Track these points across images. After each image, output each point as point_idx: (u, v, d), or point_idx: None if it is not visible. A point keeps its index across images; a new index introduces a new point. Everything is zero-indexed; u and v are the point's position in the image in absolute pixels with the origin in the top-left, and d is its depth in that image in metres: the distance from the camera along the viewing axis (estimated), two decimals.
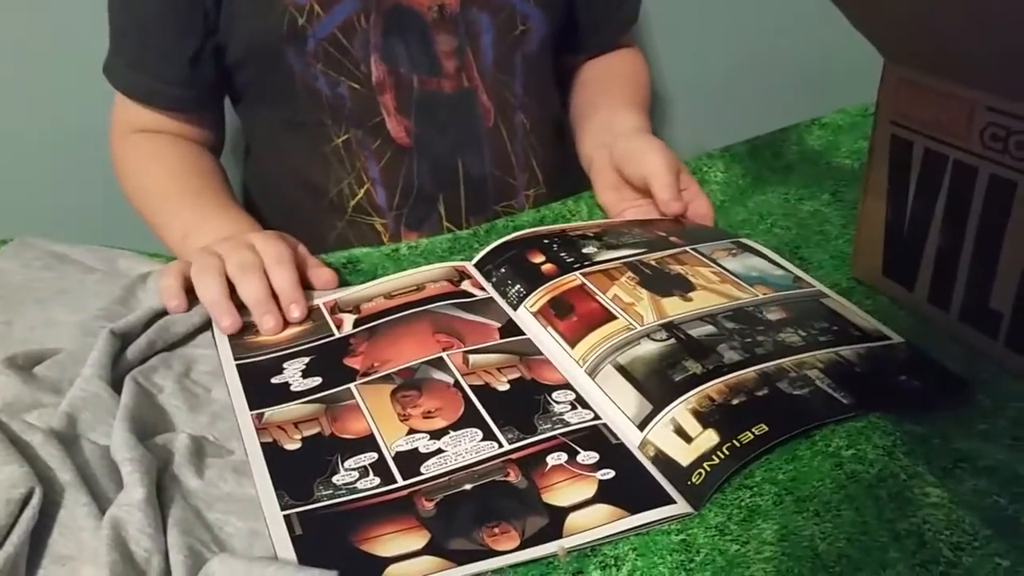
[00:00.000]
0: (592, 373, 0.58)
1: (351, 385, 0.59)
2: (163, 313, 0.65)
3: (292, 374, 0.61)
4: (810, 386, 0.55)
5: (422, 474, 0.51)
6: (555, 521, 0.48)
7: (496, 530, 0.47)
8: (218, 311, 0.65)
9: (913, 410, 0.55)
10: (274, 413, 0.57)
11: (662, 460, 0.51)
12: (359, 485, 0.51)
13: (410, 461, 0.52)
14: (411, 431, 0.55)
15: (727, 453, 0.50)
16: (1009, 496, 0.49)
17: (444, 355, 0.61)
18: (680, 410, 0.53)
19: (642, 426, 0.53)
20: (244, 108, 0.93)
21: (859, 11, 0.59)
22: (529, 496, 0.50)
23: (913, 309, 0.65)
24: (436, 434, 0.54)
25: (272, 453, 0.53)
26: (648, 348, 0.59)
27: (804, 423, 0.53)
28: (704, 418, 0.53)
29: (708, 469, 0.50)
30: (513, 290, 0.68)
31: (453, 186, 0.88)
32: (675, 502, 0.49)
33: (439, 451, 0.53)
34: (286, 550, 0.46)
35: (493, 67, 0.87)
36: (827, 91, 1.16)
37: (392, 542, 0.47)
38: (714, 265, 0.69)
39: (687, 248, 0.71)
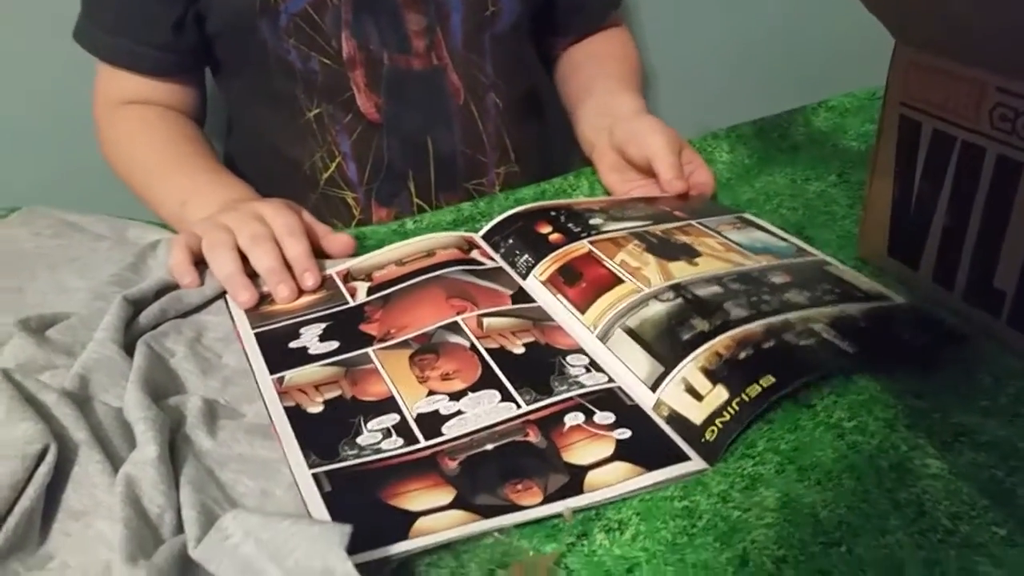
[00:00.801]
0: (603, 338, 0.59)
1: (369, 350, 0.60)
2: (175, 283, 0.66)
3: (310, 339, 0.61)
4: (815, 337, 0.56)
5: (443, 435, 0.52)
6: (576, 478, 0.49)
7: (519, 487, 0.49)
8: (234, 286, 0.66)
9: (917, 365, 0.56)
10: (294, 376, 0.58)
11: (676, 419, 0.53)
12: (383, 446, 0.52)
13: (431, 422, 0.53)
14: (431, 393, 0.56)
15: (737, 408, 0.52)
16: (1007, 469, 0.50)
17: (459, 319, 0.62)
18: (690, 368, 0.54)
19: (654, 387, 0.55)
20: (223, 80, 0.94)
21: None
22: (550, 454, 0.51)
23: (918, 288, 0.65)
24: (455, 396, 0.55)
25: (296, 416, 0.54)
26: (656, 309, 0.60)
27: (810, 372, 0.54)
28: (713, 375, 0.54)
29: (720, 426, 0.51)
30: (521, 260, 0.68)
31: (423, 163, 0.89)
32: (690, 459, 0.50)
33: (459, 412, 0.54)
34: (317, 507, 0.47)
35: (463, 47, 0.88)
36: (835, 75, 1.16)
37: (419, 497, 0.48)
38: (719, 236, 0.70)
39: (692, 221, 0.72)
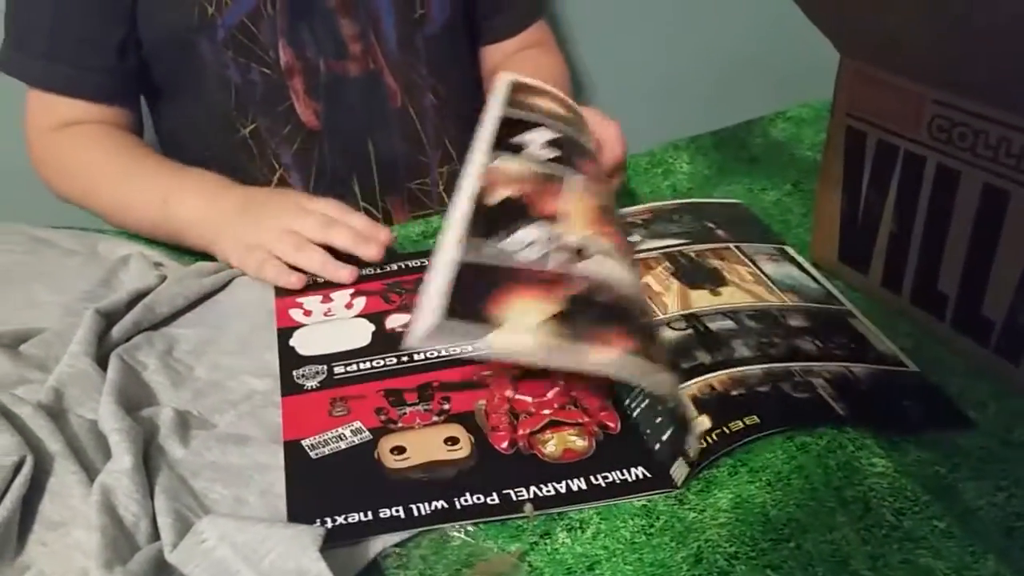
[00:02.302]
0: None
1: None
2: (146, 293, 0.67)
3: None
4: (811, 392, 0.56)
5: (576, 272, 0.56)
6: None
7: (612, 335, 0.53)
8: (333, 270, 0.71)
9: (909, 432, 0.55)
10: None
11: None
12: (521, 255, 0.55)
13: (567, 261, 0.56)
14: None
15: (715, 439, 0.53)
16: (949, 466, 0.52)
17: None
18: (682, 394, 0.56)
19: None
20: (159, 104, 0.94)
21: (814, 7, 0.62)
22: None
23: (868, 293, 0.68)
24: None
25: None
26: (665, 336, 0.60)
27: (795, 421, 0.54)
28: (701, 404, 0.55)
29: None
30: None
31: (365, 166, 0.91)
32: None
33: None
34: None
35: (397, 49, 0.89)
36: (794, 86, 1.19)
37: (520, 306, 0.52)
38: (752, 266, 0.70)
39: (731, 245, 0.72)
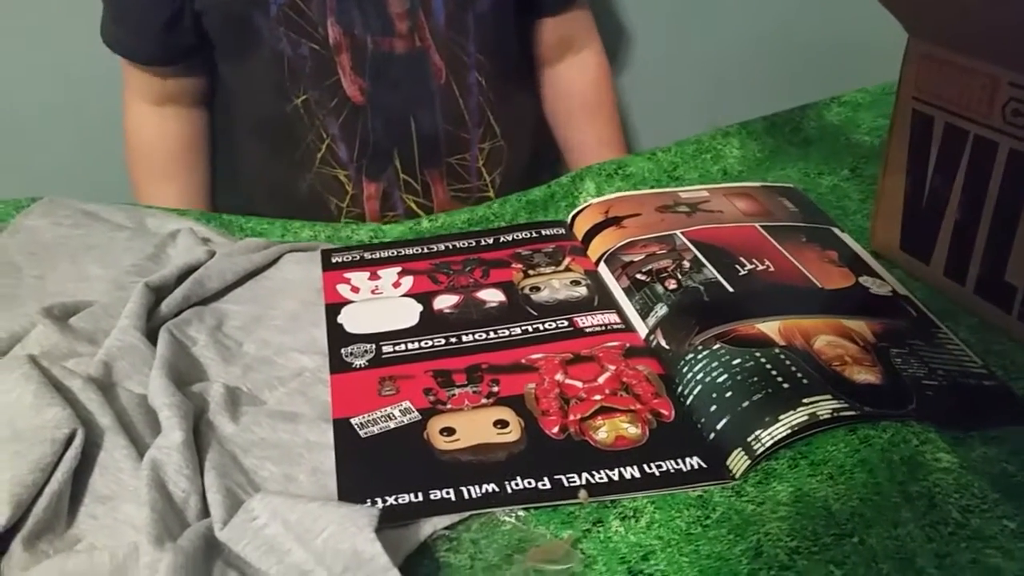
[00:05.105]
0: None
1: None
2: (195, 268, 0.67)
3: None
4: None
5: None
6: None
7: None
8: None
9: (973, 428, 0.53)
10: None
11: None
12: None
13: None
14: None
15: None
16: (1018, 463, 0.50)
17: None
18: None
19: None
20: (221, 67, 0.98)
21: None
22: None
23: (929, 282, 0.66)
24: None
25: None
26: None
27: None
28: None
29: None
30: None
31: (406, 141, 0.93)
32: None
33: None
34: None
35: (445, 27, 0.90)
36: (847, 71, 1.16)
37: None
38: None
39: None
